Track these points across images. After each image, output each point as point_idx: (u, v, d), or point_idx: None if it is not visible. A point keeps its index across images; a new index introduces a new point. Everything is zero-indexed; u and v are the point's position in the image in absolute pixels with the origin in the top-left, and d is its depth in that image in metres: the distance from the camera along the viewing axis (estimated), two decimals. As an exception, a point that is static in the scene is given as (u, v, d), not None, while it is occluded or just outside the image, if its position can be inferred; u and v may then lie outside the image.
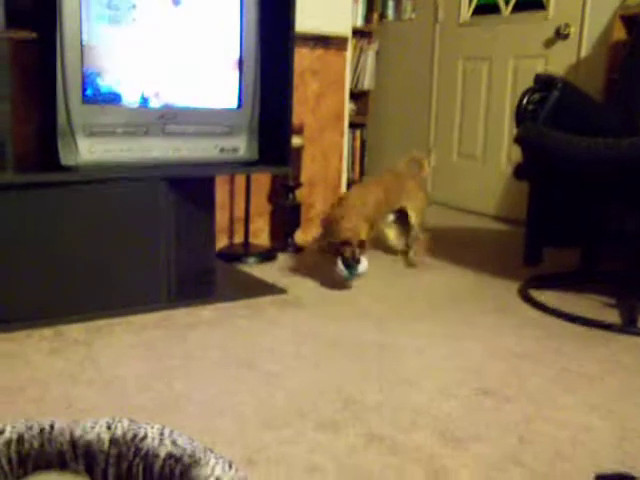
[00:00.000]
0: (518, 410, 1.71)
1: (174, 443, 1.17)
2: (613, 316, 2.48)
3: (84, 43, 2.14)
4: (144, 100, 2.31)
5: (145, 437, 1.19)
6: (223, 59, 2.45)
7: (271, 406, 1.69)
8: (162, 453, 1.16)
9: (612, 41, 3.52)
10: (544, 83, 2.85)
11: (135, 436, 1.20)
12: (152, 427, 1.21)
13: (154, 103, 2.33)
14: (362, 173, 5.40)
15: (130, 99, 2.28)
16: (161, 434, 1.19)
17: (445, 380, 1.89)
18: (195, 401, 1.70)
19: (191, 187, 2.45)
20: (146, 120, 2.30)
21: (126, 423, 1.23)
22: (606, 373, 1.97)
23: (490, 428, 1.61)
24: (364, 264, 2.64)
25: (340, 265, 2.62)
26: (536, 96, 2.82)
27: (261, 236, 3.35)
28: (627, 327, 2.36)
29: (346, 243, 2.61)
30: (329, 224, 2.81)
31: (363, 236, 2.67)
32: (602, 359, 2.08)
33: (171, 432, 1.20)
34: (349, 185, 4.29)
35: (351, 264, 2.61)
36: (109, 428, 1.22)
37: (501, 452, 1.50)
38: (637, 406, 1.76)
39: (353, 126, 5.21)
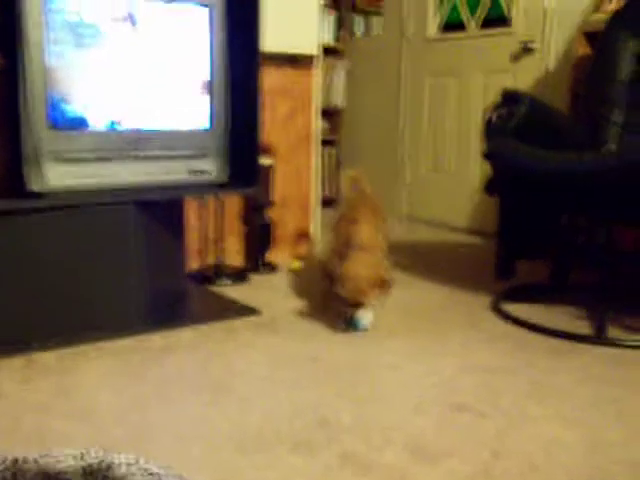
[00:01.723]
0: (491, 425, 1.73)
1: (146, 472, 1.17)
2: (584, 327, 2.51)
3: (48, 68, 2.14)
4: (112, 124, 2.31)
5: (117, 467, 1.19)
6: (192, 81, 2.46)
7: (246, 430, 1.69)
8: (134, 482, 1.15)
9: (576, 56, 3.59)
10: (511, 98, 2.89)
11: (107, 466, 1.20)
12: (124, 457, 1.21)
13: (122, 127, 2.33)
14: (337, 190, 5.42)
15: (97, 124, 2.28)
16: (133, 463, 1.19)
17: (418, 397, 1.90)
18: (169, 428, 1.69)
19: (161, 210, 2.45)
20: (114, 144, 2.30)
21: (99, 453, 1.22)
22: (578, 384, 2.00)
23: (463, 443, 1.62)
24: (367, 319, 2.44)
25: (340, 322, 2.47)
26: (503, 111, 2.86)
27: (234, 256, 3.35)
28: (598, 338, 2.39)
29: (346, 303, 2.40)
30: (333, 273, 2.50)
31: (368, 299, 2.39)
32: (574, 370, 2.11)
33: (144, 461, 1.20)
34: (324, 203, 4.31)
35: (351, 323, 2.43)
36: (82, 458, 1.22)
37: (474, 467, 1.51)
38: (608, 417, 1.79)
39: (326, 143, 5.25)
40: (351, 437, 1.65)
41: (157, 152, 2.39)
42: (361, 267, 2.42)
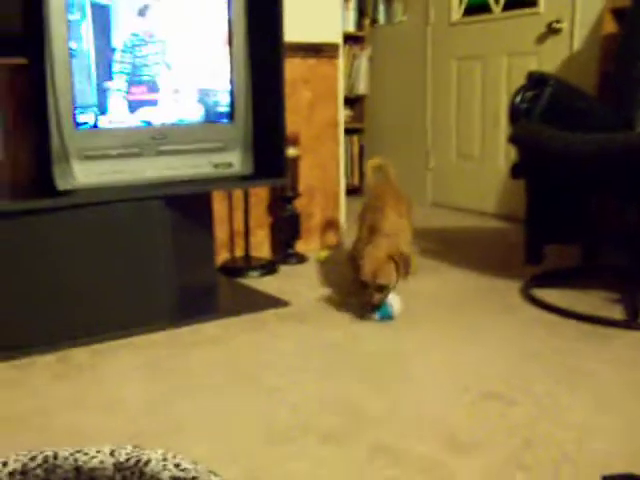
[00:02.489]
0: (523, 413, 1.71)
1: (177, 467, 1.17)
2: (617, 311, 2.48)
3: (74, 66, 2.15)
4: (136, 120, 2.32)
5: (149, 462, 1.20)
6: (214, 74, 2.45)
7: (275, 422, 1.69)
8: (166, 477, 1.16)
9: (603, 34, 3.52)
10: (536, 81, 2.84)
11: (139, 461, 1.20)
12: (155, 452, 1.21)
13: (146, 122, 2.34)
14: (362, 179, 5.40)
15: (122, 120, 2.29)
16: (164, 459, 1.19)
17: (449, 386, 1.88)
18: (199, 420, 1.70)
19: (187, 204, 2.46)
20: (140, 140, 2.31)
21: (129, 448, 1.23)
22: (611, 370, 1.97)
23: (495, 432, 1.61)
24: (395, 305, 2.43)
25: (368, 309, 2.44)
26: (529, 94, 2.82)
27: (262, 248, 3.35)
28: (631, 322, 2.35)
29: (366, 286, 2.40)
30: (355, 258, 2.52)
31: (389, 278, 2.38)
32: (607, 356, 2.08)
33: (174, 456, 1.20)
34: (349, 191, 4.30)
35: (379, 310, 2.42)
36: (113, 454, 1.23)
37: (507, 457, 1.50)
38: (643, 403, 1.76)
39: (350, 132, 5.23)
40: (381, 428, 1.64)
41: (182, 146, 2.40)
42: (379, 249, 2.42)
